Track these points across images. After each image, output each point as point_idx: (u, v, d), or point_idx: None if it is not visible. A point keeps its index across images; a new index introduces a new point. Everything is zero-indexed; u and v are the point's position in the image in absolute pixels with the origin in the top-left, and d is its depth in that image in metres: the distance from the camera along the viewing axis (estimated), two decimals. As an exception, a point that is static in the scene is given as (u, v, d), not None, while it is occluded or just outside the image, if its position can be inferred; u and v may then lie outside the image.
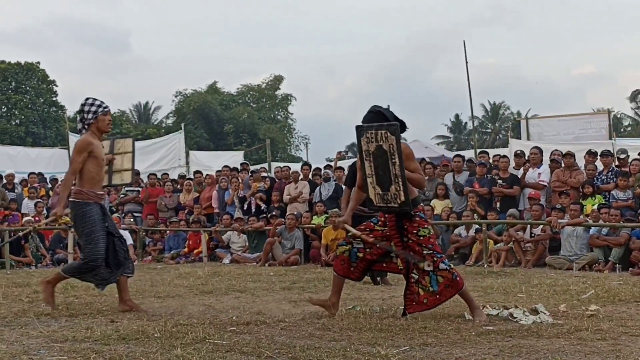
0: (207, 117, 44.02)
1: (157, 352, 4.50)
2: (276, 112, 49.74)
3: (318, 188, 14.48)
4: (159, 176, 17.46)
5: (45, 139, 38.96)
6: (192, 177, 17.41)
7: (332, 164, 17.50)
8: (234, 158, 22.81)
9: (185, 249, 14.82)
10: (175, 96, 48.03)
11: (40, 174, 17.87)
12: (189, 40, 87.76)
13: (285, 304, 7.01)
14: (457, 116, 57.28)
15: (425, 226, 5.93)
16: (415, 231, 5.88)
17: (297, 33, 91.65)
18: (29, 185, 16.63)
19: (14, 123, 40.05)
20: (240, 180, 15.60)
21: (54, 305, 6.65)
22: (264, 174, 17.02)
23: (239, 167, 17.17)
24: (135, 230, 14.90)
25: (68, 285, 8.86)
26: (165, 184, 16.51)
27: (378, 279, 9.24)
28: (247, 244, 14.33)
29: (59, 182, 16.57)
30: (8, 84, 41.49)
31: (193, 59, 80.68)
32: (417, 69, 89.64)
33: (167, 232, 15.38)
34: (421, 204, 6.09)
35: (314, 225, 13.51)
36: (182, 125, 25.07)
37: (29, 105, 40.26)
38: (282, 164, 19.46)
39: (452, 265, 6.02)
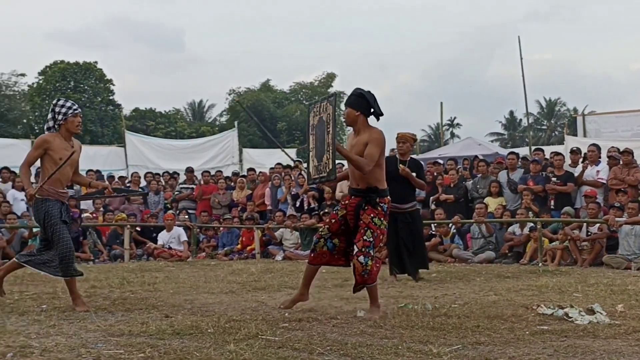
0: (260, 115, 44.32)
1: (211, 347, 4.55)
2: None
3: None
4: (212, 173, 17.64)
5: (103, 137, 39.71)
6: (245, 174, 17.54)
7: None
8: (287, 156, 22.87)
9: (239, 246, 14.94)
10: (229, 94, 48.56)
11: (97, 171, 18.20)
12: (243, 39, 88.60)
13: (337, 301, 7.02)
14: (511, 113, 56.61)
15: (382, 218, 6.07)
16: (371, 215, 6.02)
17: (350, 30, 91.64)
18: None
19: (72, 122, 40.85)
20: (292, 178, 15.67)
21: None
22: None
23: (291, 164, 17.24)
24: (190, 227, 15.07)
25: (124, 281, 9.06)
26: (219, 181, 16.67)
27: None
28: (299, 241, 14.39)
29: (116, 180, 16.91)
30: (67, 84, 42.43)
31: (246, 57, 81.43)
32: (472, 66, 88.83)
33: (221, 228, 15.53)
34: (388, 198, 6.20)
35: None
36: (236, 123, 25.27)
37: (87, 104, 41.09)
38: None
39: (370, 265, 6.01)
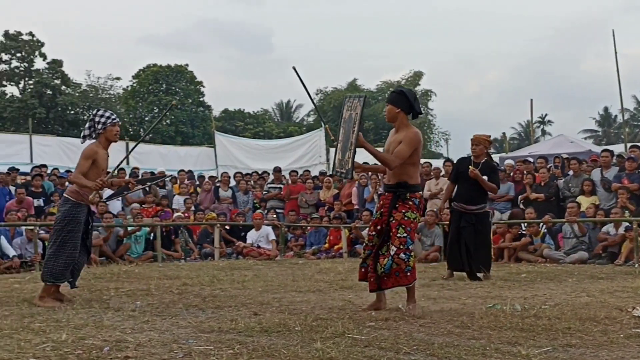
0: (347, 114, 44.35)
1: (298, 345, 4.61)
2: (416, 108, 49.42)
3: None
4: (300, 173, 17.80)
5: (193, 138, 40.61)
6: (332, 173, 17.60)
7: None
8: (374, 155, 22.85)
9: (326, 245, 15.01)
10: (316, 94, 48.77)
11: (189, 171, 18.66)
12: (330, 39, 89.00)
13: (424, 301, 6.98)
14: (605, 109, 54.91)
15: (414, 212, 6.17)
16: (404, 210, 6.12)
17: (438, 28, 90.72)
18: (178, 182, 17.39)
19: (164, 123, 42.07)
20: (379, 177, 15.64)
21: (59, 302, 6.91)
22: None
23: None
24: (278, 226, 15.25)
25: (214, 279, 9.25)
26: (306, 181, 16.81)
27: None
28: (386, 241, 14.32)
29: (206, 180, 17.28)
30: (159, 86, 43.62)
31: (333, 57, 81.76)
32: (564, 61, 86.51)
33: (308, 228, 15.65)
34: (419, 193, 6.29)
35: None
36: (323, 122, 25.38)
37: (179, 106, 42.13)
38: (422, 161, 19.32)
39: (412, 261, 6.11)
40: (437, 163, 17.19)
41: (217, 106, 56.77)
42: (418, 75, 48.60)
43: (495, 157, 19.13)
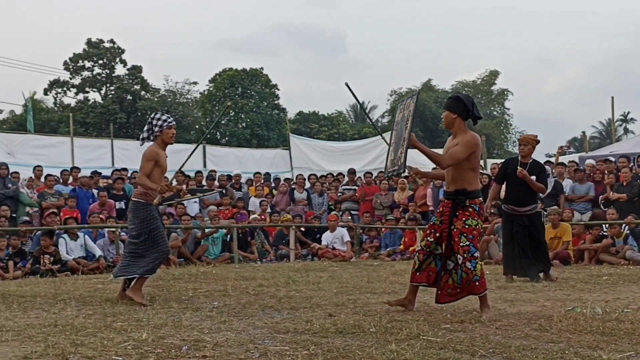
0: (422, 115, 44.13)
1: (372, 346, 4.61)
2: (492, 108, 48.77)
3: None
4: (374, 175, 17.78)
5: (269, 140, 41.07)
6: (407, 175, 17.52)
7: (552, 159, 16.89)
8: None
9: (401, 247, 14.95)
10: (390, 95, 48.67)
11: (266, 174, 18.86)
12: (404, 39, 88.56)
13: (500, 303, 6.89)
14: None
15: (475, 218, 6.09)
16: (464, 219, 6.06)
17: (513, 25, 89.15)
18: (254, 184, 17.61)
19: (240, 126, 42.66)
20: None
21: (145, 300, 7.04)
22: (481, 171, 16.72)
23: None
24: (352, 228, 15.27)
25: (290, 280, 9.33)
26: (381, 182, 16.77)
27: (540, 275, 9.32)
28: (462, 242, 14.16)
29: (282, 182, 17.44)
30: (235, 90, 44.26)
31: (407, 58, 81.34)
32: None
33: (383, 229, 15.61)
34: (479, 199, 6.19)
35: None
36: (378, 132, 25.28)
37: (254, 109, 42.68)
38: (499, 161, 19.04)
39: (479, 269, 6.00)
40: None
41: (292, 108, 57.28)
42: (494, 74, 47.94)
43: (575, 157, 18.72)
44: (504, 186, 9.81)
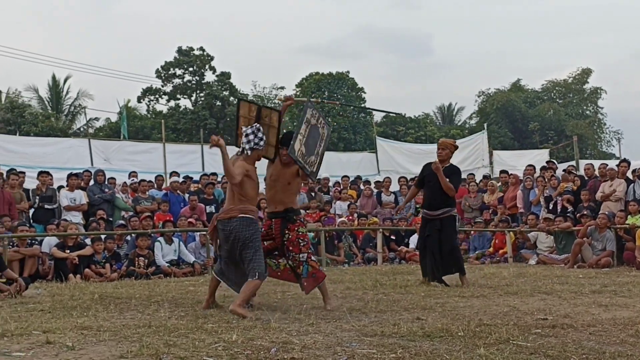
0: (511, 116, 43.32)
1: (461, 350, 4.57)
2: (584, 107, 47.36)
3: (632, 186, 13.58)
4: (463, 177, 17.55)
5: (355, 144, 41.07)
6: (496, 176, 17.26)
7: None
8: (539, 157, 22.19)
9: (490, 249, 14.74)
10: (478, 96, 47.93)
11: (357, 177, 18.86)
12: (491, 39, 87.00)
13: (594, 308, 6.70)
14: None
15: (303, 227, 7.26)
16: (296, 228, 7.12)
17: (605, 23, 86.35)
18: (340, 187, 17.66)
19: (327, 130, 42.78)
20: (545, 180, 15.14)
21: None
22: (573, 172, 16.29)
23: (545, 165, 16.66)
24: (441, 231, 15.12)
25: (377, 283, 9.34)
26: (470, 185, 16.56)
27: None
28: (554, 245, 13.87)
29: (368, 185, 17.44)
30: (322, 94, 44.47)
31: (495, 58, 79.94)
32: None
33: (472, 232, 15.42)
34: (301, 214, 7.54)
35: (627, 226, 12.67)
36: (485, 125, 24.93)
37: (340, 113, 42.77)
38: (591, 161, 18.49)
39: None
40: (611, 164, 16.33)
41: (377, 113, 57.09)
42: (586, 73, 46.54)
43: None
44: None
